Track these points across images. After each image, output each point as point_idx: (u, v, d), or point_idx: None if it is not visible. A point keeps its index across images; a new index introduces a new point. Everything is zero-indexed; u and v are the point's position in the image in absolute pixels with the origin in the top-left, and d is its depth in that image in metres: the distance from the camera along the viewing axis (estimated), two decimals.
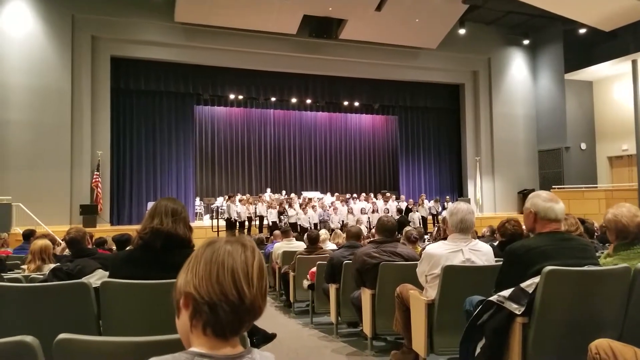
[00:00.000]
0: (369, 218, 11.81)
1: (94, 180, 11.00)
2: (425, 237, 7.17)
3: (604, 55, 13.16)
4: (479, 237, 4.36)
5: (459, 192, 15.33)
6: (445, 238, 2.83)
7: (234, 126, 15.08)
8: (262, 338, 2.43)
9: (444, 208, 12.51)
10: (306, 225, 11.16)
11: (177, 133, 12.77)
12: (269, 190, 14.12)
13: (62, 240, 3.87)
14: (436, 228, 9.34)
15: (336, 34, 12.67)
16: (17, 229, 8.77)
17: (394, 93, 14.80)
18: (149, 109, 12.54)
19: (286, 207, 11.62)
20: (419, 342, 2.67)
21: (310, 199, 12.45)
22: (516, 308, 1.87)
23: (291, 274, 5.01)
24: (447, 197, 14.07)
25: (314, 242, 5.13)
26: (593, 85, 14.85)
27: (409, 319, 2.79)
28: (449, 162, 15.58)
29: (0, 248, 6.09)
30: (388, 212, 11.83)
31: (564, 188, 13.54)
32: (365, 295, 3.31)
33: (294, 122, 15.68)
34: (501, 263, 2.12)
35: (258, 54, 12.52)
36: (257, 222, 11.61)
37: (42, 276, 2.70)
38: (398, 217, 10.47)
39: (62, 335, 1.15)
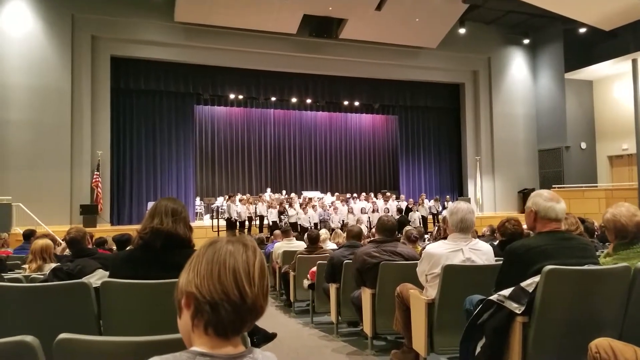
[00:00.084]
0: (369, 218, 11.81)
1: (94, 180, 11.00)
2: (426, 236, 7.17)
3: (604, 55, 13.15)
4: (479, 237, 4.36)
5: (459, 191, 15.33)
6: (445, 237, 2.83)
7: (234, 126, 15.08)
8: (262, 338, 2.43)
9: (444, 207, 12.51)
10: (306, 225, 11.16)
11: (177, 133, 12.78)
12: (269, 190, 14.12)
13: (63, 240, 3.87)
14: (436, 227, 9.34)
15: (336, 33, 12.67)
16: (18, 229, 8.77)
17: (394, 93, 14.80)
18: (149, 109, 12.54)
19: (286, 206, 11.62)
20: (419, 341, 2.67)
21: (310, 199, 12.45)
22: (516, 307, 1.87)
23: (291, 273, 5.01)
24: (447, 196, 14.07)
25: (314, 242, 5.13)
26: (593, 85, 14.84)
27: (409, 319, 2.79)
28: (449, 161, 15.58)
29: (0, 248, 6.10)
30: (388, 212, 11.83)
31: (564, 187, 13.54)
32: (366, 294, 3.31)
33: (294, 122, 15.68)
34: (501, 262, 2.13)
35: (258, 54, 12.52)
36: (258, 222, 11.62)
37: (42, 276, 2.70)
38: (398, 216, 10.46)
39: (62, 335, 1.15)
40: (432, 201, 13.01)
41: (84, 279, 2.15)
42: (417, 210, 12.38)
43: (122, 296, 1.90)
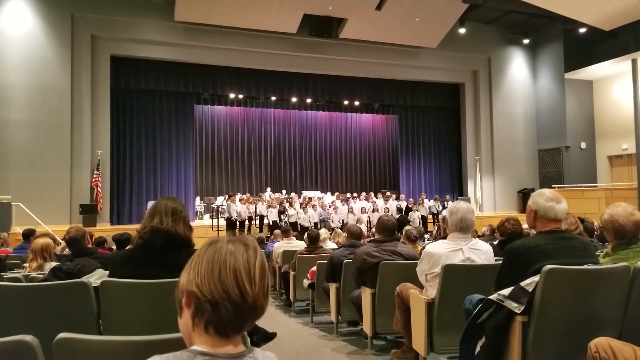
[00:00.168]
0: (369, 217, 11.81)
1: (93, 180, 11.00)
2: (425, 236, 7.18)
3: (603, 55, 13.15)
4: (478, 236, 4.36)
5: (459, 191, 15.33)
6: (445, 237, 2.83)
7: (234, 125, 15.08)
8: (262, 337, 2.43)
9: (444, 207, 12.51)
10: (306, 224, 11.16)
11: (177, 132, 12.78)
12: (269, 189, 14.12)
13: (62, 239, 3.87)
14: (436, 227, 9.34)
15: (336, 33, 12.67)
16: (17, 229, 8.77)
17: (394, 92, 14.80)
18: (149, 109, 12.54)
19: (286, 206, 11.62)
20: (419, 341, 2.67)
21: (310, 198, 12.45)
22: (516, 307, 1.87)
23: (291, 273, 5.01)
24: (447, 196, 14.07)
25: (314, 242, 5.13)
26: (593, 85, 14.84)
27: (409, 318, 2.79)
28: (449, 161, 15.59)
29: (0, 247, 6.09)
30: (388, 211, 11.84)
31: (563, 187, 13.54)
32: (366, 294, 3.31)
33: (294, 122, 15.68)
34: (501, 262, 2.13)
35: (258, 53, 12.51)
36: (258, 222, 11.62)
37: (42, 275, 2.70)
38: (398, 216, 10.47)
39: (62, 335, 1.15)
40: (431, 201, 13.02)
41: (84, 279, 2.15)
42: (417, 210, 12.39)
43: (121, 296, 1.90)
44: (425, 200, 12.82)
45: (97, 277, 2.34)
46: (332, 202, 12.51)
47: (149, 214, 1.91)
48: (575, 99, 14.52)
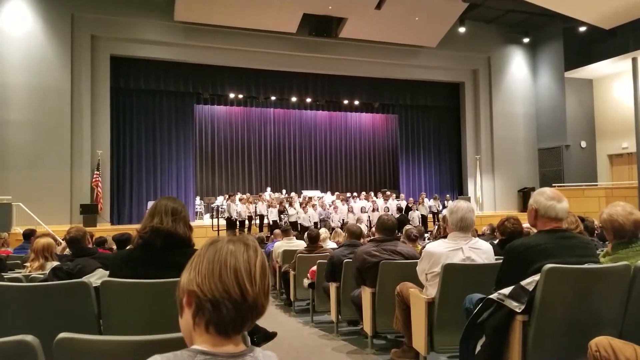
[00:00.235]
0: (369, 217, 11.81)
1: (94, 180, 11.00)
2: (426, 235, 7.18)
3: (603, 53, 13.14)
4: (479, 236, 4.36)
5: (459, 190, 15.33)
6: (445, 236, 2.83)
7: (234, 125, 15.07)
8: (262, 337, 2.43)
9: (444, 206, 12.51)
10: (306, 224, 11.16)
11: (177, 132, 12.77)
12: (269, 189, 14.12)
13: (63, 239, 3.88)
14: (436, 226, 9.34)
15: (336, 32, 12.66)
16: (18, 229, 8.77)
17: (394, 92, 14.79)
18: (148, 108, 12.53)
19: (286, 206, 11.62)
20: (419, 340, 2.68)
21: (310, 198, 12.45)
22: (516, 306, 1.87)
23: (291, 272, 5.01)
24: (448, 195, 14.07)
25: (314, 241, 5.13)
26: (593, 83, 14.83)
27: (409, 317, 2.79)
28: (449, 160, 15.58)
29: (0, 248, 6.09)
30: (388, 211, 11.84)
31: (564, 186, 13.53)
32: (366, 293, 3.31)
33: (294, 121, 15.67)
34: (501, 261, 2.13)
35: (258, 53, 12.51)
36: (258, 221, 11.62)
37: (42, 275, 2.70)
38: (398, 215, 10.47)
39: (62, 335, 1.15)
40: (431, 200, 13.02)
41: (84, 279, 2.15)
42: (416, 209, 12.39)
43: (122, 295, 1.90)
44: (426, 200, 12.82)
45: (97, 277, 2.34)
46: (332, 202, 12.51)
47: (149, 214, 1.91)
48: (575, 98, 14.52)
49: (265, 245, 6.98)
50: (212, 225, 11.42)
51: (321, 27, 12.43)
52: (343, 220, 11.61)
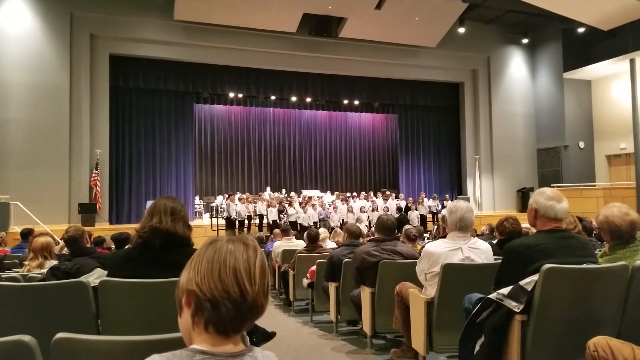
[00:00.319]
0: (368, 217, 11.81)
1: (92, 179, 10.98)
2: (425, 235, 7.18)
3: (602, 54, 13.16)
4: (478, 236, 4.36)
5: (459, 190, 15.35)
6: (444, 236, 2.83)
7: (234, 125, 15.06)
8: (261, 336, 2.43)
9: (443, 206, 12.52)
10: (306, 223, 11.16)
11: (177, 132, 12.76)
12: (268, 188, 14.12)
13: (61, 239, 3.87)
14: (436, 226, 9.34)
15: (336, 32, 12.66)
16: (16, 228, 8.75)
17: (393, 91, 14.80)
18: (148, 108, 12.52)
19: (286, 205, 11.62)
20: (418, 340, 2.68)
21: (310, 198, 12.45)
22: (515, 306, 1.87)
23: (291, 272, 5.01)
24: (447, 195, 14.08)
25: (313, 241, 5.13)
26: (591, 84, 14.85)
27: (408, 317, 2.79)
28: (449, 160, 15.60)
29: None
30: (388, 211, 11.84)
31: (562, 186, 13.55)
32: (365, 293, 3.31)
33: (293, 121, 15.67)
34: (500, 261, 2.13)
35: (258, 53, 12.50)
36: (257, 221, 11.61)
37: (40, 275, 2.69)
38: (397, 215, 10.48)
39: (60, 335, 1.14)
40: (431, 200, 13.03)
41: (82, 278, 2.15)
42: (416, 209, 12.39)
43: (120, 295, 1.90)
44: (425, 200, 12.83)
45: (95, 276, 2.34)
46: (332, 202, 12.51)
47: (148, 214, 1.91)
48: (574, 99, 14.54)
49: (264, 245, 6.97)
50: (212, 224, 11.41)
51: (321, 26, 12.43)
52: (342, 220, 11.61)
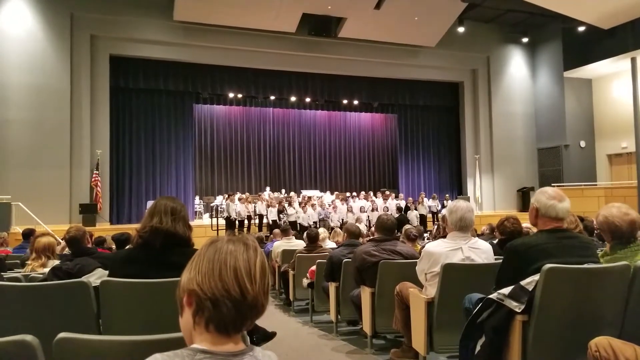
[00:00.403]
0: (368, 216, 11.80)
1: (93, 179, 10.99)
2: (425, 235, 7.18)
3: (603, 53, 13.15)
4: (478, 235, 4.36)
5: (459, 190, 15.34)
6: (444, 236, 2.83)
7: (233, 125, 15.07)
8: (262, 336, 2.43)
9: (443, 206, 12.51)
10: (306, 223, 11.16)
11: (177, 132, 12.77)
12: (268, 188, 14.12)
13: (62, 239, 3.87)
14: (436, 226, 9.34)
15: (335, 32, 12.65)
16: (17, 228, 8.76)
17: (393, 91, 14.80)
18: (148, 108, 12.53)
19: (286, 205, 11.62)
20: (418, 340, 2.68)
21: (309, 198, 12.45)
22: (516, 306, 1.87)
23: (291, 272, 5.01)
24: (447, 195, 14.08)
25: (313, 241, 5.13)
26: (592, 83, 14.84)
27: (408, 317, 2.79)
28: (449, 160, 15.59)
29: None
30: (387, 211, 11.84)
31: (563, 186, 13.54)
32: (365, 293, 3.31)
33: (293, 121, 15.67)
34: (501, 261, 2.12)
35: (257, 53, 12.50)
36: (257, 221, 11.61)
37: (41, 275, 2.70)
38: (397, 215, 10.47)
39: (61, 335, 1.14)
40: (431, 200, 13.03)
41: (84, 278, 2.15)
42: (416, 209, 12.39)
43: (121, 295, 1.90)
44: (425, 199, 12.83)
45: (96, 276, 2.34)
46: (332, 202, 12.51)
47: (149, 214, 1.91)
48: (574, 98, 14.53)
49: (264, 245, 6.97)
50: (212, 224, 11.41)
51: (320, 26, 12.43)
52: (342, 219, 11.60)
